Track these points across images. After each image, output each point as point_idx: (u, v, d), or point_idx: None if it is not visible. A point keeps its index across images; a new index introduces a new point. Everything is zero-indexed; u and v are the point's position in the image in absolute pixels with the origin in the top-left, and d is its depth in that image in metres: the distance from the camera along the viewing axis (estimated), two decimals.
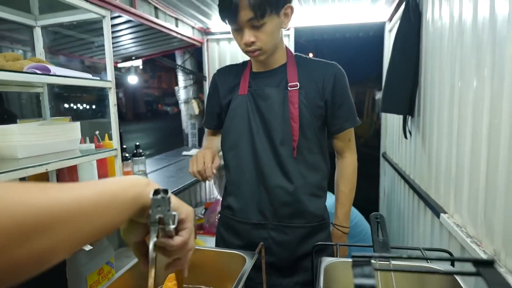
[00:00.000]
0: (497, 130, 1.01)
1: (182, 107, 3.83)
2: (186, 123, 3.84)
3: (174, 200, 0.44)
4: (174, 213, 0.43)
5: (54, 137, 1.27)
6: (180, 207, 0.45)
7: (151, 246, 0.40)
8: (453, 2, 1.39)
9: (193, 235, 0.45)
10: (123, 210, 0.37)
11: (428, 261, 0.88)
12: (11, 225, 0.25)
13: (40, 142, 1.21)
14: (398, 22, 2.04)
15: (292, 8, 1.06)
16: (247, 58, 1.18)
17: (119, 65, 4.31)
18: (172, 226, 0.42)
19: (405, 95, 1.93)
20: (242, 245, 1.17)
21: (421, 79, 1.86)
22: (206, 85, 3.49)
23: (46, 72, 1.15)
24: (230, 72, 1.22)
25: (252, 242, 1.12)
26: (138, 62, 4.16)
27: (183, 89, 3.77)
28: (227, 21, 1.02)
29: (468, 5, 1.24)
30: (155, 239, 0.40)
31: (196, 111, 3.71)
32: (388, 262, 0.78)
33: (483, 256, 1.01)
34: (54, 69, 1.21)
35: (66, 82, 1.17)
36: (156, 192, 0.41)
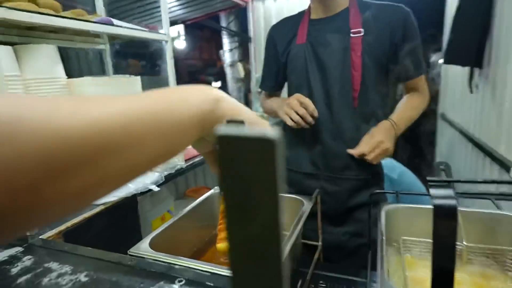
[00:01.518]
0: None
1: (228, 70, 3.84)
2: (232, 88, 3.86)
3: (251, 119, 0.37)
4: None
5: (119, 89, 1.35)
6: (255, 125, 0.37)
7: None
8: None
9: None
10: (187, 134, 0.32)
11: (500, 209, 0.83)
12: (65, 152, 0.22)
13: (108, 92, 1.29)
14: None
15: None
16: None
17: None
18: None
19: (473, 44, 1.76)
20: (295, 194, 1.18)
21: (494, 25, 1.67)
22: (251, 47, 3.44)
23: (110, 23, 1.20)
24: (287, 24, 1.16)
25: (304, 192, 1.12)
26: (180, 29, 4.17)
27: (228, 52, 3.77)
28: None
29: None
30: None
31: (242, 74, 3.70)
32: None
33: None
34: (116, 22, 1.26)
35: (128, 33, 1.21)
36: (229, 121, 0.34)
